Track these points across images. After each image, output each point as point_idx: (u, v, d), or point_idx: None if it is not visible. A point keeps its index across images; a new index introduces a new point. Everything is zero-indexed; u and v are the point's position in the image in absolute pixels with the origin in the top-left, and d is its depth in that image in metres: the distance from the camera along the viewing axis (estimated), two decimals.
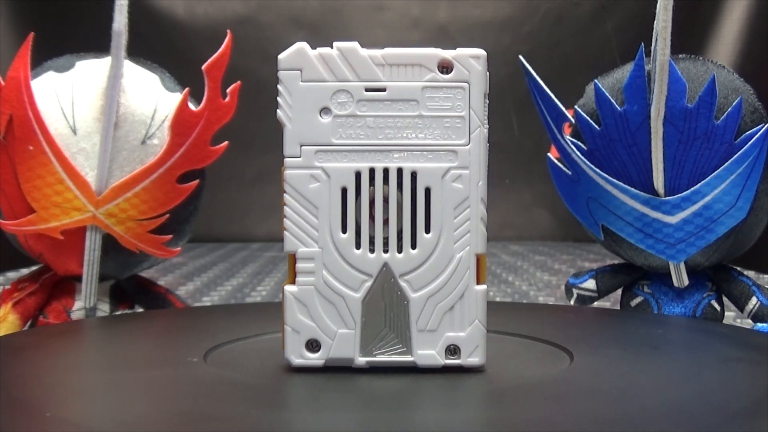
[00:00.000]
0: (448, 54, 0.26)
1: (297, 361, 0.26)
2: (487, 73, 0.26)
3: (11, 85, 0.36)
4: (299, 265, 0.26)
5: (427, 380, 0.25)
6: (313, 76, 0.26)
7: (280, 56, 0.26)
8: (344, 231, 0.26)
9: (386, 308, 0.26)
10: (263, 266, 0.86)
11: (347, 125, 0.26)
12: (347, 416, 0.22)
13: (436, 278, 0.26)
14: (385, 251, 0.26)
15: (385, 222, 0.26)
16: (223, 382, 0.25)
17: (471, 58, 0.26)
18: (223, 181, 1.16)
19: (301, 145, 0.26)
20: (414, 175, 0.26)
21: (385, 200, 0.26)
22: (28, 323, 0.39)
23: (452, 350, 0.26)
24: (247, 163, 1.18)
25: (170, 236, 0.38)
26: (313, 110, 0.26)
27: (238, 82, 0.38)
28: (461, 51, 0.26)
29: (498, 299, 0.61)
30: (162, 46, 1.04)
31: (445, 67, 0.26)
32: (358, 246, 0.26)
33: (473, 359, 0.26)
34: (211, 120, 0.37)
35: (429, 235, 0.26)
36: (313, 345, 0.26)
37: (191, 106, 0.38)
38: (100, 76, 0.37)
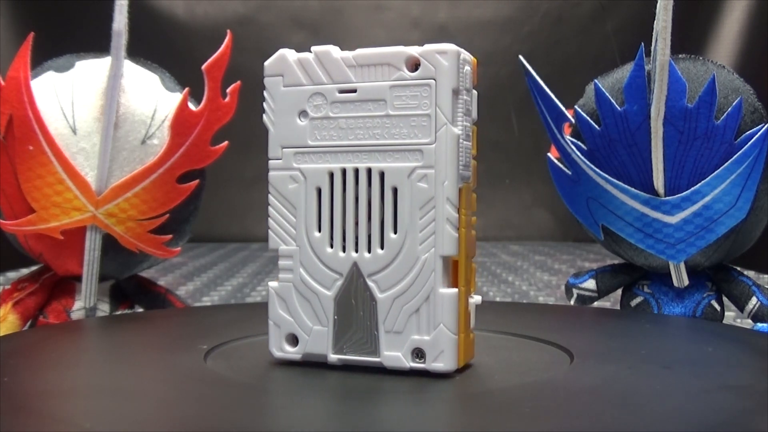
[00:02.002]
0: (414, 51, 0.25)
1: (278, 354, 0.27)
2: (466, 68, 0.25)
3: (11, 85, 0.36)
4: (280, 263, 0.27)
5: (422, 379, 0.25)
6: (292, 81, 0.27)
7: (265, 63, 0.27)
8: (319, 230, 0.26)
9: (356, 307, 0.26)
10: (263, 266, 0.86)
11: (322, 127, 0.26)
12: (349, 424, 0.22)
13: (402, 279, 0.25)
14: (357, 251, 0.26)
15: (359, 222, 0.26)
16: (222, 382, 0.25)
17: (437, 54, 0.25)
18: (223, 181, 1.16)
19: (282, 148, 0.27)
20: (382, 175, 0.26)
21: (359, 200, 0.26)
22: (28, 323, 0.39)
23: (418, 354, 0.25)
24: (247, 163, 1.18)
25: (170, 236, 0.38)
26: (293, 113, 0.27)
27: (238, 82, 0.38)
28: (428, 47, 0.25)
29: (498, 299, 0.61)
30: (162, 46, 1.04)
31: (416, 65, 0.25)
32: (331, 245, 0.26)
33: (438, 364, 0.25)
34: (211, 120, 0.37)
35: (395, 236, 0.25)
36: (292, 339, 0.27)
37: (191, 106, 0.38)
38: (100, 76, 0.37)
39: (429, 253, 0.25)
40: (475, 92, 0.26)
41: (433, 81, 0.25)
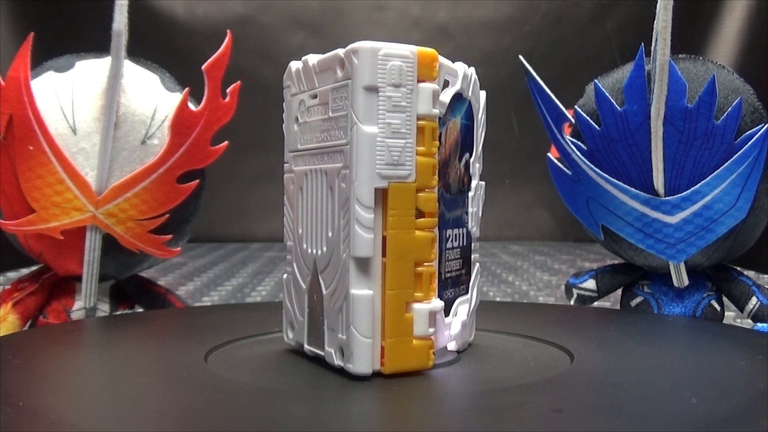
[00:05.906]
0: (341, 52, 0.25)
1: (285, 339, 0.29)
2: (392, 63, 0.24)
3: (11, 85, 0.36)
4: (287, 257, 0.29)
5: (420, 377, 0.25)
6: (294, 90, 0.28)
7: (284, 76, 0.29)
8: (301, 227, 0.28)
9: (316, 302, 0.27)
10: (263, 266, 0.86)
11: (303, 131, 0.28)
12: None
13: (334, 278, 0.26)
14: (316, 248, 0.27)
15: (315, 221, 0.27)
16: (222, 383, 0.25)
17: (351, 53, 0.25)
18: (223, 181, 1.16)
19: (289, 152, 0.29)
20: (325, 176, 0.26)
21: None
22: (28, 323, 0.39)
23: (342, 352, 0.25)
24: (247, 163, 1.18)
25: (170, 236, 0.38)
26: (293, 120, 0.28)
27: (238, 82, 0.38)
28: (350, 47, 0.25)
29: (498, 299, 0.61)
30: (162, 46, 1.04)
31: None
32: (306, 242, 0.27)
33: (349, 365, 0.25)
34: (211, 120, 0.37)
35: (331, 235, 0.26)
36: (292, 327, 0.29)
37: (191, 106, 0.38)
38: (100, 76, 0.37)
39: (346, 254, 0.25)
40: (426, 86, 0.25)
41: (350, 81, 0.25)
